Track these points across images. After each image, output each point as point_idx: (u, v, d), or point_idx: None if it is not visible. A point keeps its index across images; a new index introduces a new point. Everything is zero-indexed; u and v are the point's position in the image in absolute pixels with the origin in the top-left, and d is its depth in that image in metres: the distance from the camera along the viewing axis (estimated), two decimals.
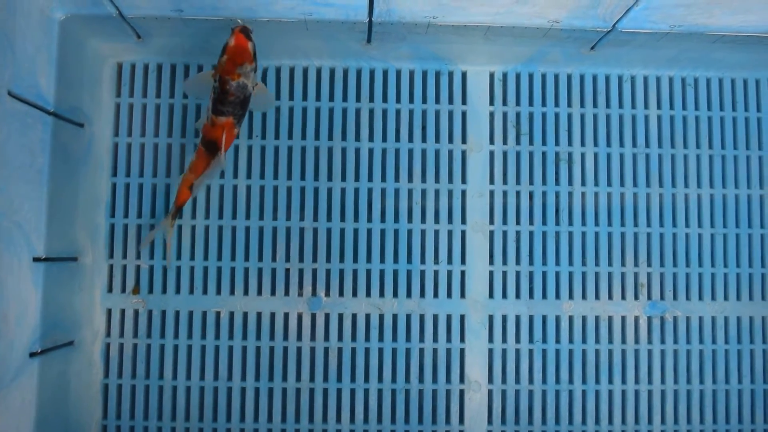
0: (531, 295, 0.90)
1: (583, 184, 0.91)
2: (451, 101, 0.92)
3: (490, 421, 0.89)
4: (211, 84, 0.77)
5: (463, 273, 0.90)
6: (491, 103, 0.92)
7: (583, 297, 0.90)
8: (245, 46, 0.75)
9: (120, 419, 0.88)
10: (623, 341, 0.90)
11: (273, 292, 0.89)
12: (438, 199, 0.90)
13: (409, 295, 0.89)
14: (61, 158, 0.82)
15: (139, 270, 0.89)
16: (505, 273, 0.90)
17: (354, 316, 0.89)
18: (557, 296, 0.90)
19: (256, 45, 0.75)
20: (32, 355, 0.77)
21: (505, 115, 0.92)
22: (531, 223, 0.91)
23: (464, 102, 0.92)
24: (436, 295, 0.89)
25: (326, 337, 0.89)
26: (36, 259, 0.78)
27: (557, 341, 0.90)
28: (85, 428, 0.87)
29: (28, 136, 0.76)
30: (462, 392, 0.89)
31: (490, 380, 0.89)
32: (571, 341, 0.90)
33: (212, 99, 0.77)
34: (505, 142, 0.92)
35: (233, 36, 0.75)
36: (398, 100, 0.91)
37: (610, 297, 0.90)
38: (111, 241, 0.89)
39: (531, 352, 0.90)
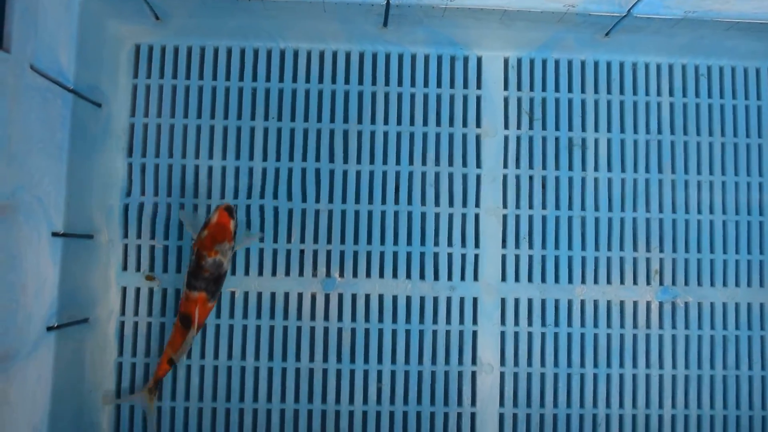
0: (543, 279, 0.90)
1: (596, 169, 0.92)
2: (465, 86, 0.93)
3: (501, 404, 0.89)
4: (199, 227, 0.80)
5: (476, 256, 0.90)
6: (505, 88, 0.93)
7: (595, 281, 0.91)
8: (227, 224, 0.79)
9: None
10: (635, 326, 0.91)
11: (287, 273, 0.89)
12: (452, 183, 0.91)
13: (422, 277, 0.90)
14: (80, 136, 0.82)
15: (154, 249, 0.90)
16: (517, 257, 0.91)
17: (367, 297, 0.90)
18: (569, 280, 0.90)
19: (238, 223, 0.80)
20: (49, 329, 0.77)
21: (519, 100, 0.93)
22: (544, 207, 0.91)
23: (479, 87, 0.93)
24: (449, 277, 0.90)
25: (339, 318, 0.89)
26: (54, 234, 0.79)
27: (569, 325, 0.90)
28: (100, 406, 0.87)
29: (49, 111, 0.76)
30: (474, 374, 0.89)
31: (502, 363, 0.89)
32: (582, 325, 0.90)
33: (188, 272, 0.80)
34: (518, 127, 0.92)
35: (216, 213, 0.79)
36: (413, 84, 0.92)
37: (622, 282, 0.91)
38: (126, 220, 0.90)
39: (543, 335, 0.90)
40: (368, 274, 0.90)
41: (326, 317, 0.89)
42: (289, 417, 0.88)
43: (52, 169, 0.78)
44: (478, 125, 0.92)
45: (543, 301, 0.90)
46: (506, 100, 0.93)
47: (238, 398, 0.88)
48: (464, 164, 0.91)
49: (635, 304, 0.91)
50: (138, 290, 0.89)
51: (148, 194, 0.90)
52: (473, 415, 0.89)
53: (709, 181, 0.92)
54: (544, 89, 0.93)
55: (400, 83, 0.92)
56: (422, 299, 0.90)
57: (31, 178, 0.74)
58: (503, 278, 0.90)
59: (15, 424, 0.72)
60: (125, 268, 0.89)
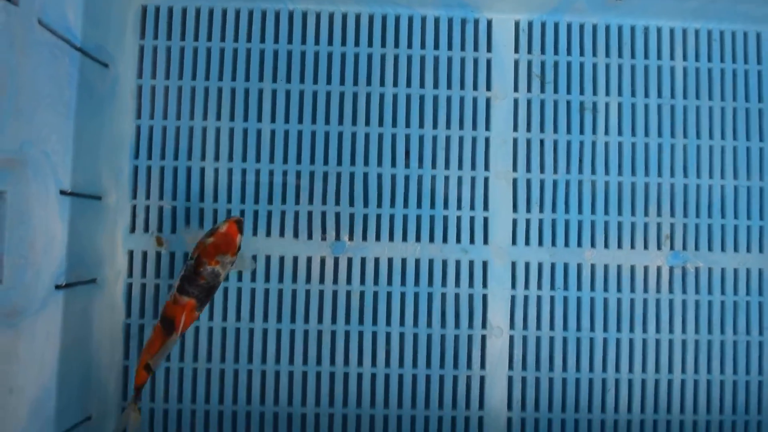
0: (554, 243, 0.90)
1: (607, 133, 0.91)
2: (476, 49, 0.92)
3: (511, 367, 0.89)
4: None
5: (486, 220, 0.90)
6: (516, 51, 0.92)
7: (606, 246, 0.90)
8: (234, 237, 0.76)
9: None
10: (645, 291, 0.90)
11: (296, 236, 0.89)
12: (462, 146, 0.90)
13: (432, 240, 0.89)
14: (87, 95, 0.81)
15: (162, 211, 0.89)
16: (528, 220, 0.90)
17: (377, 260, 0.89)
18: (579, 244, 0.90)
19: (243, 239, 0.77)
20: (57, 287, 0.77)
21: (529, 63, 0.92)
22: (555, 171, 0.91)
23: (489, 50, 0.92)
24: (458, 240, 0.89)
25: (348, 281, 0.89)
26: (62, 192, 0.78)
27: (579, 289, 0.90)
28: (107, 368, 0.87)
29: (56, 67, 0.76)
30: (483, 338, 0.89)
31: (512, 326, 0.89)
32: (592, 289, 0.90)
33: (181, 276, 0.76)
34: (529, 90, 0.92)
35: (226, 224, 0.75)
36: (423, 47, 0.91)
37: (633, 246, 0.90)
38: (134, 182, 0.89)
39: (553, 299, 0.90)
40: (378, 238, 0.89)
41: (335, 281, 0.89)
42: (298, 379, 0.87)
43: (60, 127, 0.77)
44: (489, 88, 0.91)
45: (553, 265, 0.90)
46: (517, 64, 0.92)
47: (246, 360, 0.87)
48: (474, 127, 0.90)
49: (646, 268, 0.90)
50: (145, 252, 0.89)
51: (156, 156, 0.89)
52: (482, 379, 0.89)
53: (721, 146, 0.92)
54: (555, 52, 0.92)
55: (409, 46, 0.91)
56: (431, 262, 0.89)
57: (38, 133, 0.73)
58: (513, 242, 0.90)
59: (24, 382, 0.71)
60: (133, 230, 0.89)
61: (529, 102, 0.91)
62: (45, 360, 0.76)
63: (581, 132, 0.91)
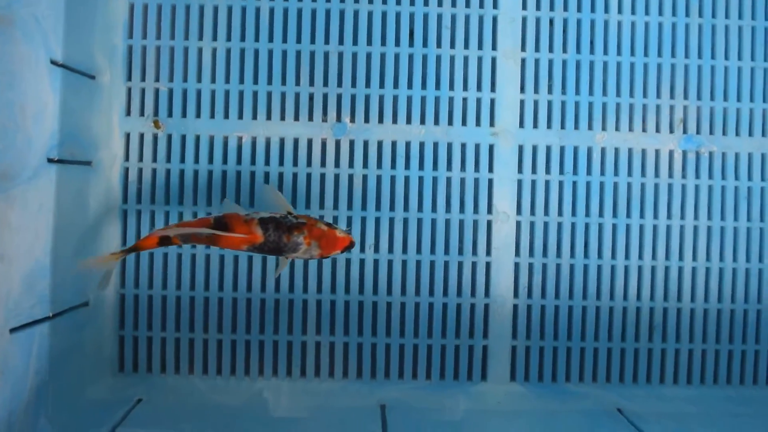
0: (563, 125, 0.87)
1: (620, 12, 0.88)
2: None
3: (517, 253, 0.87)
4: (286, 210, 0.73)
5: (492, 101, 0.87)
6: None
7: (617, 128, 0.87)
8: (338, 248, 0.72)
9: None
10: (656, 175, 0.87)
11: (296, 118, 0.86)
12: (468, 25, 0.87)
13: (436, 122, 0.86)
14: None
15: (158, 93, 0.86)
16: (536, 102, 0.87)
17: (380, 143, 0.86)
18: (590, 127, 0.87)
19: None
20: (50, 160, 0.75)
21: None
22: (564, 51, 0.87)
23: None
24: (464, 122, 0.87)
25: (350, 164, 0.86)
26: (54, 63, 0.75)
27: (588, 173, 0.87)
28: (105, 253, 0.85)
29: None
30: (489, 223, 0.86)
31: (519, 212, 0.87)
32: (602, 174, 0.87)
33: (272, 216, 0.71)
34: None
35: (345, 233, 0.72)
36: None
37: (645, 129, 0.87)
38: (129, 62, 0.86)
39: (561, 183, 0.87)
40: (380, 120, 0.86)
41: (337, 164, 0.86)
42: (299, 264, 0.85)
43: None
44: None
45: (562, 149, 0.87)
46: None
47: None
48: (481, 5, 0.87)
49: (657, 152, 0.87)
50: (142, 135, 0.86)
51: (151, 36, 0.86)
52: (488, 265, 0.86)
53: (738, 26, 0.88)
54: None
55: None
56: (436, 145, 0.86)
57: None
58: (521, 124, 0.87)
59: (17, 250, 0.70)
60: (128, 113, 0.86)
61: None
62: (38, 233, 0.74)
63: (593, 10, 0.87)
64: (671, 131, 0.87)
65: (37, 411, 0.72)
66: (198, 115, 0.86)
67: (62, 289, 0.77)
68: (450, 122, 0.86)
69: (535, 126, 0.87)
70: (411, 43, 0.86)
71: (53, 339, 0.75)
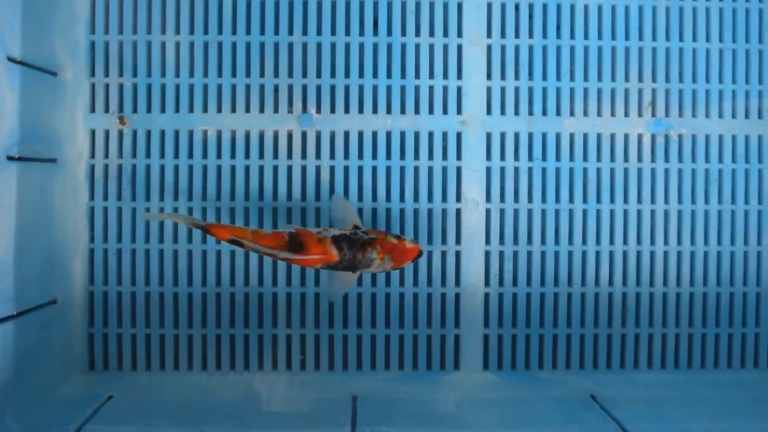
0: (530, 112, 0.86)
1: None
2: None
3: (487, 241, 0.86)
4: (353, 224, 0.74)
5: (459, 89, 0.86)
6: None
7: (585, 113, 0.87)
8: (409, 258, 0.73)
9: (107, 242, 0.85)
10: (626, 159, 0.87)
11: (262, 110, 0.86)
12: (433, 12, 0.86)
13: (403, 111, 0.86)
14: None
15: (122, 89, 0.85)
16: (503, 88, 0.86)
17: (346, 133, 0.86)
18: (558, 112, 0.86)
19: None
20: (10, 158, 0.74)
21: None
22: (531, 36, 0.87)
23: None
24: (431, 111, 0.86)
25: (317, 156, 0.86)
26: (11, 60, 0.74)
27: (557, 159, 0.86)
28: (72, 251, 0.85)
29: None
30: (459, 212, 0.86)
31: (488, 199, 0.86)
32: (571, 159, 0.86)
33: (343, 234, 0.72)
34: None
35: (414, 244, 0.73)
36: None
37: (613, 114, 0.87)
38: (92, 58, 0.85)
39: (530, 170, 0.86)
40: (347, 110, 0.86)
41: (303, 155, 0.86)
42: (267, 261, 0.85)
43: None
44: None
45: (530, 135, 0.86)
46: None
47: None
48: None
49: (626, 136, 0.87)
50: (107, 132, 0.86)
51: (113, 31, 0.85)
52: (458, 254, 0.86)
53: (706, 8, 0.87)
54: None
55: None
56: (403, 135, 0.86)
57: None
58: (488, 111, 0.86)
59: None
60: (93, 109, 0.86)
61: None
62: (1, 232, 0.73)
63: None
64: (640, 115, 0.87)
65: (2, 410, 0.72)
66: (163, 110, 0.85)
67: (28, 288, 0.77)
68: (417, 111, 0.86)
69: (503, 113, 0.86)
70: (375, 32, 0.86)
71: (19, 337, 0.74)
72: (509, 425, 0.77)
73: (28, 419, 0.74)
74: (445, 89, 0.86)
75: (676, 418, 0.77)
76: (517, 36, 0.86)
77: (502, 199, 0.86)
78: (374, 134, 0.86)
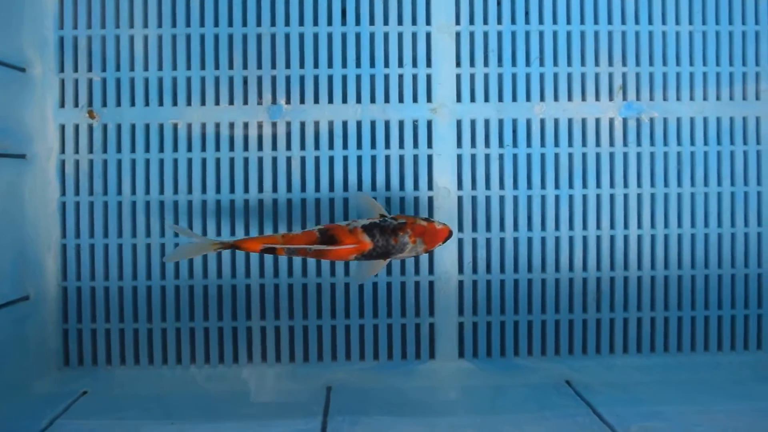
0: (500, 98, 0.86)
1: None
2: None
3: (460, 229, 0.86)
4: (378, 213, 0.75)
5: (428, 77, 0.86)
6: None
7: (555, 99, 0.86)
8: (440, 239, 0.74)
9: (79, 238, 0.85)
10: (597, 144, 0.87)
11: (231, 102, 0.86)
12: (401, 0, 0.86)
13: (373, 100, 0.86)
14: None
15: (92, 84, 0.85)
16: (473, 75, 0.86)
17: (317, 124, 0.86)
18: (528, 98, 0.86)
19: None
20: None
21: None
22: (499, 22, 0.86)
23: None
24: (401, 99, 0.86)
25: (288, 147, 0.86)
26: None
27: (528, 145, 0.86)
28: (44, 247, 0.85)
29: None
30: (431, 200, 0.86)
31: (460, 187, 0.86)
32: (543, 145, 0.86)
33: (373, 222, 0.73)
34: None
35: (443, 225, 0.74)
36: None
37: (584, 98, 0.87)
38: (61, 53, 0.85)
39: (501, 157, 0.86)
40: (316, 100, 0.86)
41: (274, 147, 0.86)
42: (240, 256, 0.85)
43: None
44: None
45: (500, 122, 0.86)
46: None
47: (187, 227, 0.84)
48: None
49: (597, 121, 0.87)
50: (77, 126, 0.85)
51: (81, 26, 0.85)
52: None
53: None
54: None
55: None
56: (373, 124, 0.86)
57: None
58: (458, 99, 0.86)
59: None
60: (62, 104, 0.85)
61: None
62: None
63: None
64: (611, 99, 0.87)
65: None
66: (132, 104, 0.85)
67: None
68: (387, 100, 0.86)
69: (473, 100, 0.86)
70: (344, 22, 0.86)
71: None
72: (483, 411, 0.77)
73: (1, 415, 0.74)
74: (415, 77, 0.86)
75: (650, 401, 0.77)
76: (485, 22, 0.86)
77: (474, 186, 0.86)
78: (344, 124, 0.86)
